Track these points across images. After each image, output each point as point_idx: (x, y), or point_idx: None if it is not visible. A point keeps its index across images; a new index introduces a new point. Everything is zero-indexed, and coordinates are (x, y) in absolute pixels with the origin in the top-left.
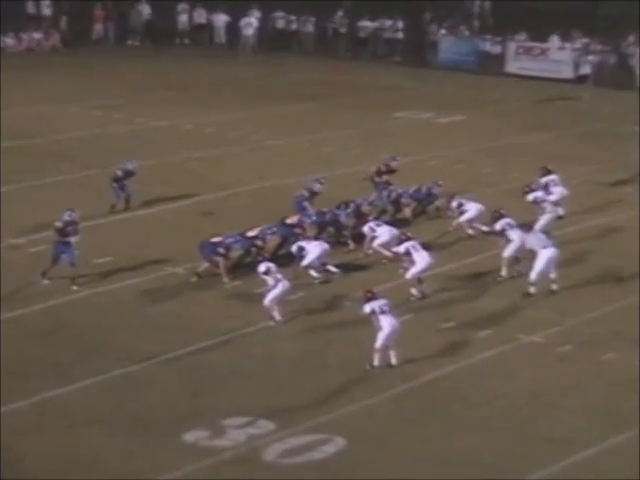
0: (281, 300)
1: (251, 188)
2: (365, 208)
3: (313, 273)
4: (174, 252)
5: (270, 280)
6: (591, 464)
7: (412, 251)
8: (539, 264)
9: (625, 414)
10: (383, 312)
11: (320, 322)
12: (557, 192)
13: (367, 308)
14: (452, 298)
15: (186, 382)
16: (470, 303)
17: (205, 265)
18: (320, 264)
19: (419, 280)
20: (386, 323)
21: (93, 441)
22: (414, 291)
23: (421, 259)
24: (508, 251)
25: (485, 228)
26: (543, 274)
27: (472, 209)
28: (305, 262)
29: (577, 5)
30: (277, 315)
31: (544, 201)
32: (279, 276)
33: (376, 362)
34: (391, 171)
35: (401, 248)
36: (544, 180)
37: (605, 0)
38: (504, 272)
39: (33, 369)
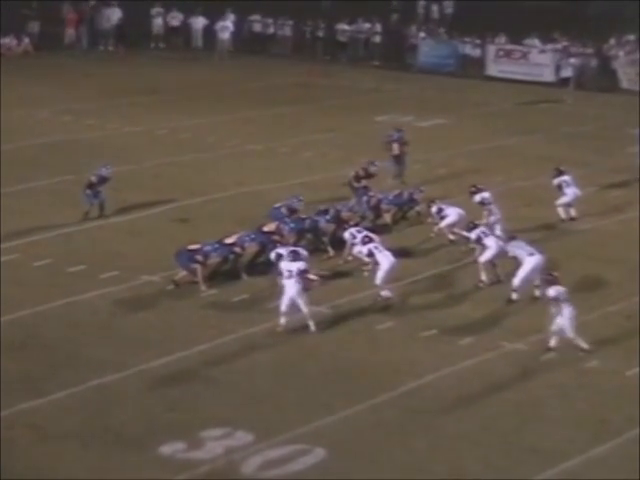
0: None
1: (228, 194)
2: (345, 214)
3: None
4: (149, 260)
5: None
6: (577, 474)
7: (375, 252)
8: (523, 271)
9: (611, 423)
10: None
11: (299, 331)
12: (570, 193)
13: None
14: (433, 305)
15: (162, 393)
16: (452, 310)
17: (183, 273)
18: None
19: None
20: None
21: (66, 455)
22: (385, 293)
23: (384, 259)
24: (484, 257)
25: (466, 233)
26: (527, 281)
27: (452, 214)
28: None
29: (561, 5)
30: (312, 326)
31: (490, 203)
32: (289, 282)
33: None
34: (370, 176)
35: (364, 249)
36: (557, 181)
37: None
38: (484, 277)
39: (2, 382)
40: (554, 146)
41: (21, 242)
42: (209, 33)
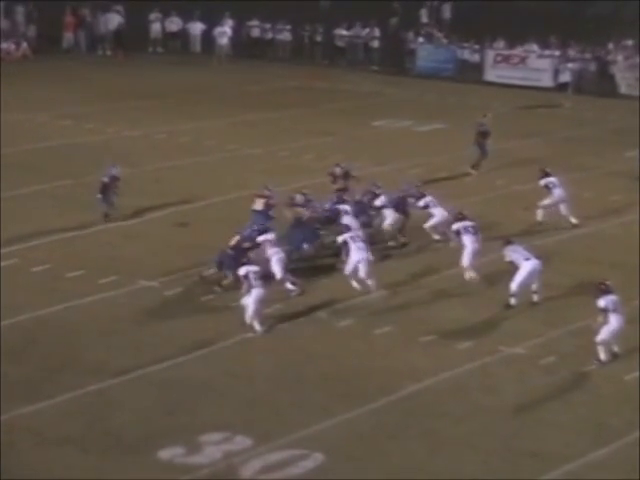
0: (259, 308)
1: (227, 198)
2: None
3: (289, 286)
4: (148, 265)
5: (245, 285)
6: (577, 478)
7: (349, 242)
8: (520, 276)
9: (610, 427)
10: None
11: (297, 335)
12: (556, 194)
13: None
14: (432, 310)
15: (161, 398)
16: (450, 315)
17: (211, 270)
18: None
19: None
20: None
21: (65, 460)
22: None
23: (356, 253)
24: (464, 260)
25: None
26: (524, 286)
27: (438, 215)
28: (279, 274)
29: (560, 8)
30: (257, 326)
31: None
32: (256, 282)
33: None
34: (338, 178)
35: (340, 238)
36: (543, 182)
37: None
38: (466, 276)
39: (2, 386)
40: (553, 150)
41: (20, 247)
42: (207, 38)
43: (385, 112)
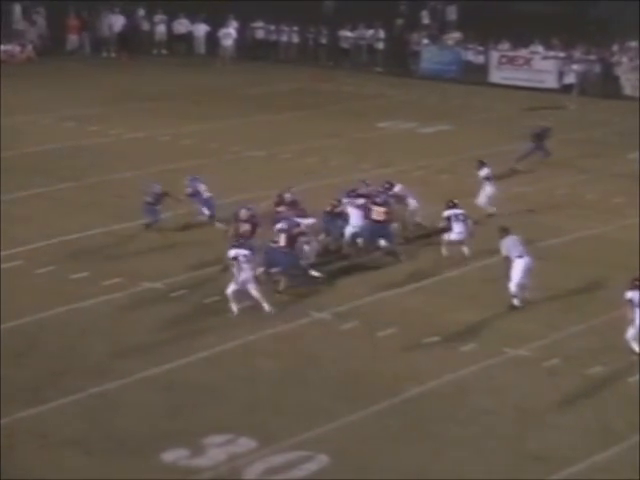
0: (241, 290)
1: (230, 201)
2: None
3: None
4: (152, 267)
5: (235, 268)
6: None
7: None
8: (515, 274)
9: (615, 429)
10: None
11: (300, 337)
12: (488, 189)
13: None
14: (435, 311)
15: (164, 400)
16: (454, 316)
17: (284, 283)
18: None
19: None
20: None
21: (68, 462)
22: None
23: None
24: (447, 237)
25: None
26: (521, 285)
27: (412, 204)
28: (311, 259)
29: (565, 10)
30: (234, 307)
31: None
32: (244, 265)
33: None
34: (284, 203)
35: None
36: (483, 174)
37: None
38: (443, 252)
39: (4, 389)
40: (557, 152)
41: (23, 249)
42: (212, 40)
43: (389, 114)
